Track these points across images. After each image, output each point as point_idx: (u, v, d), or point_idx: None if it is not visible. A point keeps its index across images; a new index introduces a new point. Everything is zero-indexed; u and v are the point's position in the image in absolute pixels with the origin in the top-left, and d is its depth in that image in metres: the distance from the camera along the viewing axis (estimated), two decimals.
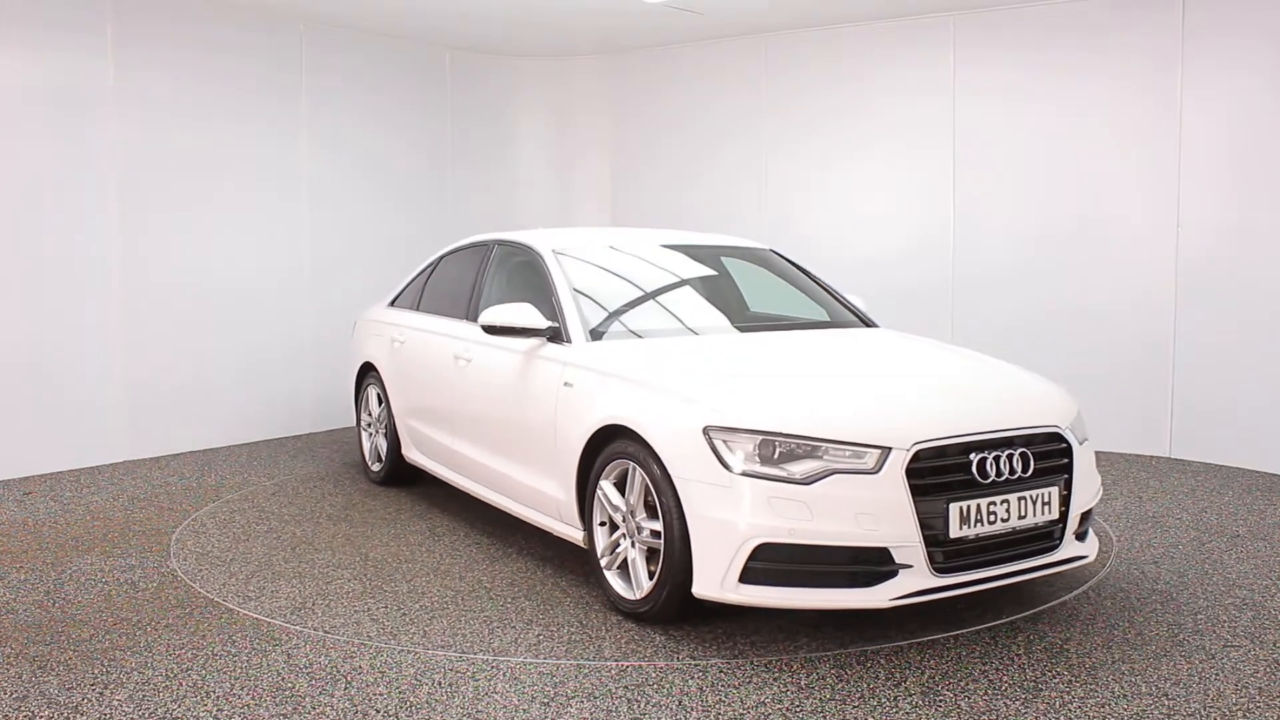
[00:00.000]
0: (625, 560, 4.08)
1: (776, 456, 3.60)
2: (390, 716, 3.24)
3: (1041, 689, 3.41)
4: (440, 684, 3.48)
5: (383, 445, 6.28)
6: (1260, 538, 5.11)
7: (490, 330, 4.74)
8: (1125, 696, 3.36)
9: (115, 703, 3.35)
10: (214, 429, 7.44)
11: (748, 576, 3.59)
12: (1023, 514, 3.74)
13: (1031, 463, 3.77)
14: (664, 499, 3.79)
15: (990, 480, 3.68)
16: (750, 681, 3.48)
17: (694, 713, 3.26)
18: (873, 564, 3.55)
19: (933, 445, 3.63)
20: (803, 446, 3.59)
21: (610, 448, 4.09)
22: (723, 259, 5.55)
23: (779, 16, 7.81)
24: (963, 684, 3.45)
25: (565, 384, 4.45)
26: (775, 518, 3.53)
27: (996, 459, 3.70)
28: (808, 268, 5.73)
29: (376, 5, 7.46)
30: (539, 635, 3.92)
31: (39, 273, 6.53)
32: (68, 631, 3.96)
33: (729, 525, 3.58)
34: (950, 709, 3.27)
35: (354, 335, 6.75)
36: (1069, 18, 7.13)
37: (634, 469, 3.96)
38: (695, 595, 3.72)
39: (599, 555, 4.20)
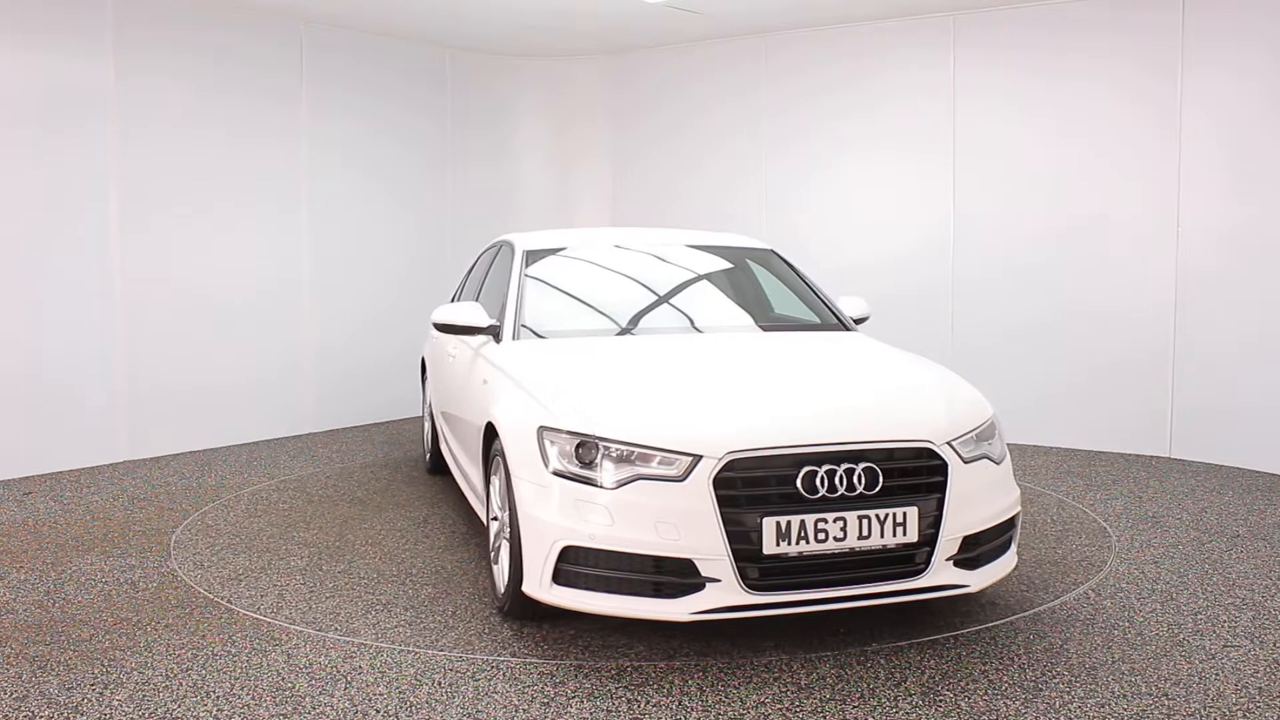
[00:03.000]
0: None
1: (598, 460, 3.56)
2: (390, 716, 3.24)
3: (1041, 689, 3.41)
4: (440, 684, 3.48)
5: (429, 436, 6.55)
6: (1260, 538, 5.11)
7: (438, 328, 4.85)
8: (1125, 696, 3.36)
9: (115, 703, 3.35)
10: (214, 429, 7.44)
11: (561, 578, 3.58)
12: (864, 534, 3.47)
13: (880, 479, 3.51)
14: (511, 496, 3.81)
15: (820, 496, 3.46)
16: (750, 681, 3.48)
17: (694, 713, 3.26)
18: (676, 575, 3.44)
19: (751, 455, 3.46)
20: (618, 450, 3.55)
21: (494, 445, 4.14)
22: (719, 259, 5.45)
23: (779, 16, 7.81)
24: (963, 684, 3.45)
25: (484, 381, 4.52)
26: (578, 521, 3.52)
27: (832, 473, 3.47)
28: (803, 270, 5.68)
29: (377, 6, 7.46)
30: (399, 621, 4.03)
31: (40, 275, 6.53)
32: (68, 631, 3.96)
33: (542, 525, 3.60)
34: (950, 709, 3.27)
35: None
36: (1070, 18, 7.13)
37: (502, 466, 4.01)
38: (524, 593, 3.73)
39: (490, 549, 4.25)
